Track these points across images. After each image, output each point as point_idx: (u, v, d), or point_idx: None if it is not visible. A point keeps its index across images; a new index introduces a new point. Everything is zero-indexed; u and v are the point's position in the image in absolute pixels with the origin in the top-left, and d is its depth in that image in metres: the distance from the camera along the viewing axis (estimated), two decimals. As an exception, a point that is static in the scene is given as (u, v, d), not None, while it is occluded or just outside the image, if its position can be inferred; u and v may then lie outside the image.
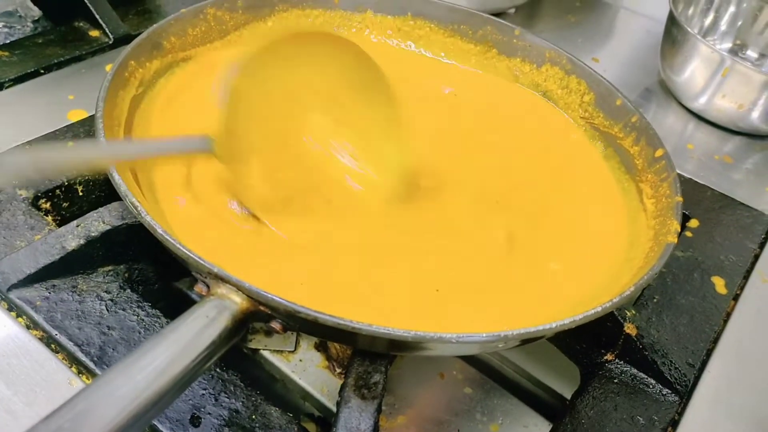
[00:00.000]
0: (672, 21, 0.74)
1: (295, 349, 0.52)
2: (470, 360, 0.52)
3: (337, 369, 0.50)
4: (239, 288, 0.32)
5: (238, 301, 0.33)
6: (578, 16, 0.93)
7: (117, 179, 0.36)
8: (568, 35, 0.87)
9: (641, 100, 0.78)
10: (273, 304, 0.32)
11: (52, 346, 0.41)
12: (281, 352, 0.52)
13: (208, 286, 0.34)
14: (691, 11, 0.83)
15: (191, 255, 0.33)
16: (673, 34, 0.73)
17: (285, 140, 0.45)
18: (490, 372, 0.52)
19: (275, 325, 0.35)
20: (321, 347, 0.52)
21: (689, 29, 0.71)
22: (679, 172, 0.61)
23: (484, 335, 0.33)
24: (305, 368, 0.51)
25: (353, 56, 0.44)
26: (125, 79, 0.45)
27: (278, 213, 0.43)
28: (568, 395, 0.50)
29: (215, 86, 0.44)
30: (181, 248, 0.33)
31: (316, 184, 0.46)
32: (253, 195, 0.43)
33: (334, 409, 0.47)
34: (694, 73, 0.72)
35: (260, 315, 0.34)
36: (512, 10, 0.85)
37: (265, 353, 0.51)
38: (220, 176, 0.44)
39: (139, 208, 0.35)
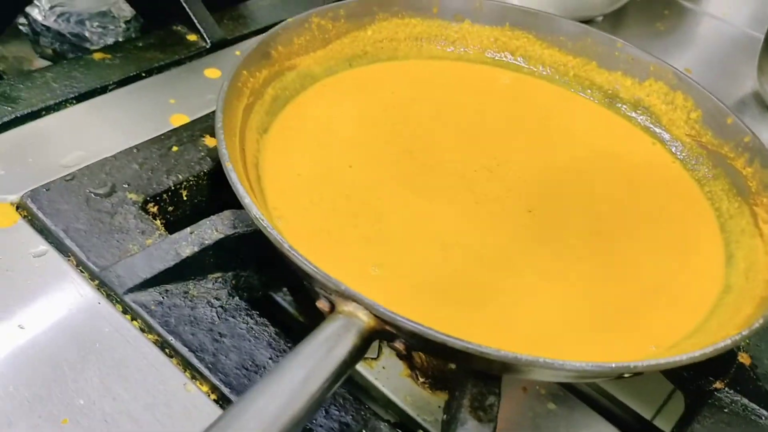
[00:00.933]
0: (773, 33, 0.71)
1: (377, 357, 0.52)
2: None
3: (420, 378, 0.50)
4: (368, 307, 0.33)
5: (365, 320, 0.33)
6: (666, 24, 0.90)
7: (241, 191, 0.37)
8: (658, 44, 0.85)
9: (735, 113, 0.76)
10: (401, 325, 0.32)
11: (167, 350, 0.41)
12: (364, 359, 0.52)
13: (331, 303, 0.35)
14: (790, 22, 0.80)
15: (319, 272, 0.33)
16: (773, 46, 0.71)
17: None
18: (572, 388, 0.51)
19: (398, 344, 0.35)
20: (404, 356, 0.52)
21: (792, 42, 0.68)
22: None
23: (614, 365, 0.32)
24: (388, 376, 0.51)
25: None
26: (238, 89, 0.46)
27: None
28: (648, 417, 0.49)
29: None
30: (309, 265, 0.33)
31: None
32: None
33: (418, 418, 0.47)
34: (795, 86, 0.70)
35: (386, 334, 0.34)
36: (600, 18, 0.83)
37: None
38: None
39: (264, 223, 0.36)
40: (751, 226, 0.47)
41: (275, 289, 0.50)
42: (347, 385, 0.41)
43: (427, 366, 0.50)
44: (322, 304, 0.35)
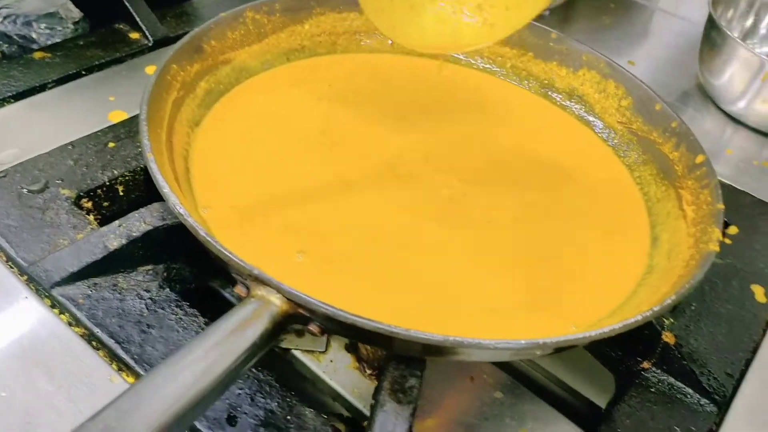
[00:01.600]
0: (711, 24, 0.72)
1: (325, 350, 0.52)
2: (501, 364, 0.51)
3: (367, 370, 0.51)
4: (279, 290, 0.33)
5: (277, 304, 0.33)
6: (613, 18, 0.92)
7: (160, 180, 0.37)
8: (603, 37, 0.86)
9: (678, 104, 0.77)
10: (311, 307, 0.32)
11: (94, 343, 0.41)
12: (312, 352, 0.52)
13: (247, 288, 0.35)
14: (730, 14, 0.81)
15: (233, 257, 0.33)
16: (711, 37, 0.72)
17: None
18: (520, 376, 0.52)
19: (313, 327, 0.35)
20: (351, 348, 0.52)
21: (728, 32, 0.70)
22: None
23: (523, 342, 0.33)
24: (336, 369, 0.51)
25: None
26: (167, 82, 0.46)
27: None
28: (598, 402, 0.50)
29: None
30: (223, 250, 0.34)
31: None
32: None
33: (365, 410, 0.47)
34: (733, 76, 0.71)
35: (299, 317, 0.34)
36: (547, 12, 0.84)
37: (297, 353, 0.52)
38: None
39: (181, 210, 0.36)
40: (676, 208, 0.48)
41: (208, 280, 0.50)
42: (277, 372, 0.42)
43: (373, 358, 0.50)
44: (239, 290, 0.35)
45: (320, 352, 0.53)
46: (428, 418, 0.47)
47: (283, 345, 0.52)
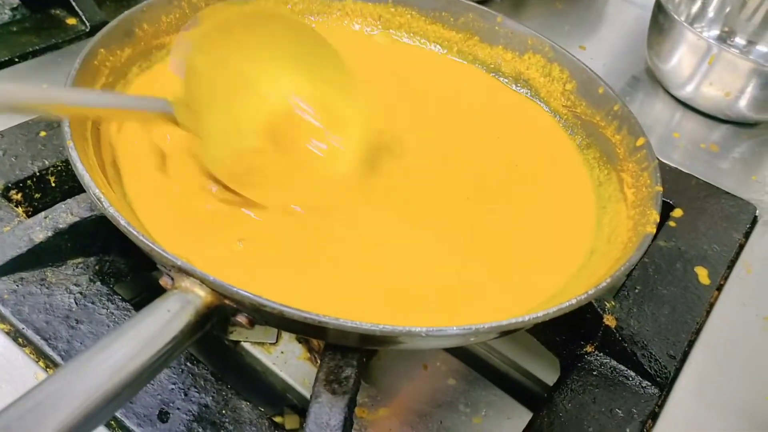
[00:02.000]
0: (659, 8, 0.73)
1: (276, 341, 0.52)
2: (454, 351, 0.51)
3: (318, 361, 0.50)
4: (203, 281, 0.32)
5: (202, 295, 0.32)
6: (565, 4, 0.91)
7: (80, 168, 0.36)
8: (556, 23, 0.86)
9: (628, 89, 0.77)
10: (237, 298, 0.31)
11: (19, 340, 0.40)
12: (262, 344, 0.51)
13: (173, 279, 0.34)
14: (678, -2, 0.82)
15: (154, 247, 0.32)
16: (659, 21, 0.73)
17: (246, 108, 0.45)
18: (474, 363, 0.52)
19: (241, 318, 0.34)
20: (303, 339, 0.51)
21: (676, 16, 0.70)
22: (664, 161, 0.61)
23: (455, 329, 0.32)
24: (286, 360, 0.50)
25: (307, 35, 0.46)
26: (95, 67, 0.44)
27: (246, 183, 0.43)
28: (548, 381, 0.50)
29: (171, 58, 0.44)
30: (144, 240, 0.32)
31: (281, 153, 0.45)
32: (218, 164, 0.43)
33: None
34: (681, 60, 0.71)
35: (226, 309, 0.33)
36: (499, -3, 0.84)
37: (246, 345, 0.51)
38: (188, 153, 0.43)
39: (102, 199, 0.34)
40: (617, 191, 0.47)
41: (144, 272, 0.48)
42: (211, 367, 0.41)
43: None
44: (164, 281, 0.34)
45: (271, 343, 0.52)
46: (381, 407, 0.47)
47: (233, 337, 0.51)
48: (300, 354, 0.51)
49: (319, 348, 0.51)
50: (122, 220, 0.33)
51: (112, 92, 0.45)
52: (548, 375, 0.51)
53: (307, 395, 0.48)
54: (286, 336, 0.51)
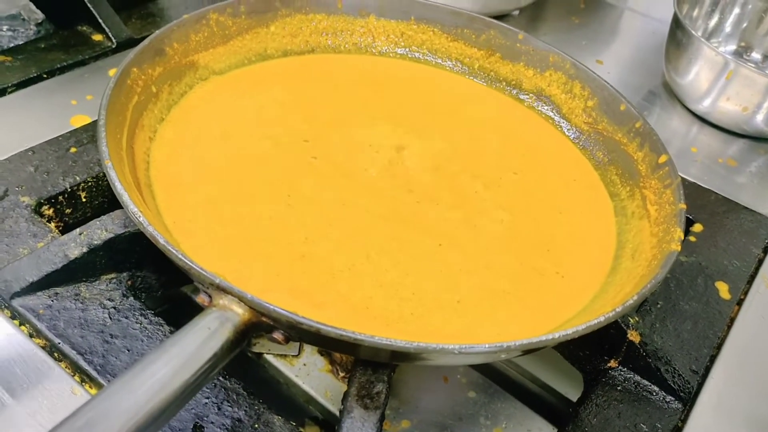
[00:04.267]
0: (676, 23, 0.73)
1: (298, 354, 0.52)
2: (474, 365, 0.52)
3: (340, 373, 0.50)
4: (241, 299, 0.32)
5: (240, 312, 0.33)
6: (582, 18, 0.92)
7: (119, 188, 0.36)
8: (572, 37, 0.87)
9: (645, 103, 0.78)
10: (274, 315, 0.32)
11: (55, 354, 0.41)
12: (285, 356, 0.52)
13: (210, 297, 0.34)
14: (695, 13, 0.82)
15: (193, 266, 0.33)
16: (677, 36, 0.73)
17: None
18: (494, 376, 0.52)
19: (277, 335, 0.34)
20: (325, 352, 0.52)
21: (693, 32, 0.70)
22: (682, 175, 0.61)
23: (486, 346, 0.33)
24: (309, 372, 0.51)
25: None
26: (128, 86, 0.45)
27: None
28: (574, 399, 0.50)
29: None
30: (184, 259, 0.33)
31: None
32: None
33: (337, 413, 0.47)
34: (699, 75, 0.72)
35: (262, 326, 0.34)
36: (516, 12, 0.85)
37: (269, 357, 0.51)
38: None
39: (141, 218, 0.35)
40: (640, 208, 0.48)
41: (177, 287, 0.49)
42: (244, 380, 0.41)
43: (346, 361, 0.50)
44: (201, 299, 0.35)
45: (293, 356, 0.52)
46: (403, 419, 0.47)
47: (255, 349, 0.52)
48: (322, 366, 0.51)
49: (341, 360, 0.51)
50: (161, 239, 0.34)
51: None
52: (566, 388, 0.52)
53: (330, 407, 0.48)
54: (308, 348, 0.52)
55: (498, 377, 0.53)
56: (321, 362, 0.51)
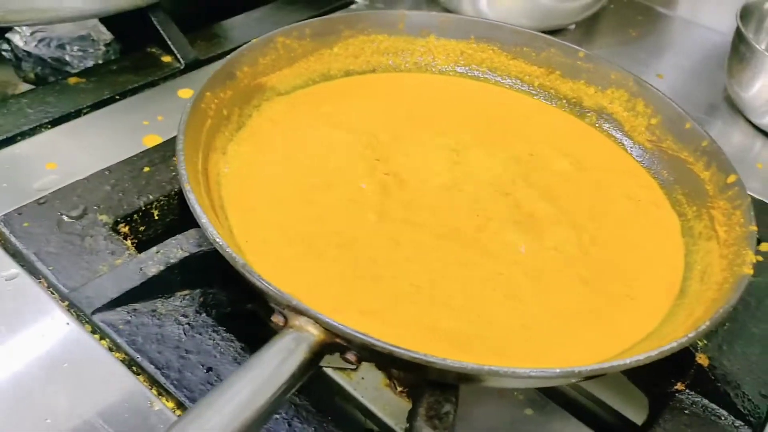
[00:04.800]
0: (739, 37, 0.72)
1: (357, 367, 0.53)
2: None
3: (398, 388, 0.51)
4: (316, 320, 0.33)
5: (315, 333, 0.34)
6: (639, 30, 0.91)
7: (198, 211, 0.38)
8: (630, 50, 0.86)
9: (707, 117, 0.77)
10: (349, 337, 0.33)
11: (134, 368, 0.42)
12: (343, 369, 0.53)
13: (284, 317, 0.36)
14: (758, 26, 0.81)
15: (270, 287, 0.34)
16: (740, 50, 0.72)
17: None
18: (552, 394, 0.52)
19: (350, 356, 0.35)
20: (382, 366, 0.52)
21: (756, 46, 0.69)
22: (748, 192, 0.60)
23: (558, 371, 0.33)
24: (367, 386, 0.51)
25: None
26: (202, 110, 0.47)
27: None
28: (632, 418, 0.50)
29: None
30: (261, 281, 0.34)
31: None
32: None
33: (396, 427, 0.48)
34: (762, 89, 0.71)
35: (336, 346, 0.35)
36: (572, 26, 0.84)
37: (328, 370, 0.52)
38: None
39: (219, 241, 0.37)
40: (708, 229, 0.47)
41: (242, 305, 0.51)
42: (313, 397, 0.42)
43: (404, 376, 0.51)
44: (276, 319, 0.36)
45: (352, 369, 0.53)
46: (457, 435, 0.48)
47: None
48: (380, 380, 0.52)
49: (399, 376, 0.52)
50: (240, 261, 0.36)
51: None
52: (629, 410, 0.51)
53: (389, 422, 0.49)
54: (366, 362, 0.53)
55: (556, 395, 0.53)
56: (378, 376, 0.52)
